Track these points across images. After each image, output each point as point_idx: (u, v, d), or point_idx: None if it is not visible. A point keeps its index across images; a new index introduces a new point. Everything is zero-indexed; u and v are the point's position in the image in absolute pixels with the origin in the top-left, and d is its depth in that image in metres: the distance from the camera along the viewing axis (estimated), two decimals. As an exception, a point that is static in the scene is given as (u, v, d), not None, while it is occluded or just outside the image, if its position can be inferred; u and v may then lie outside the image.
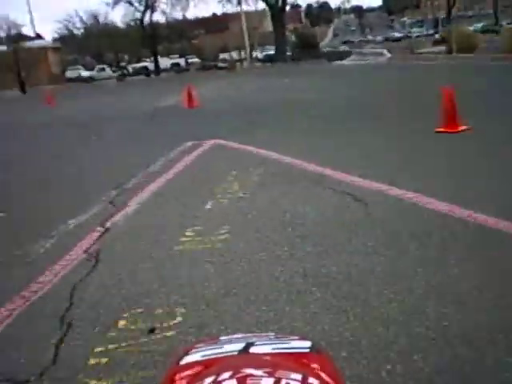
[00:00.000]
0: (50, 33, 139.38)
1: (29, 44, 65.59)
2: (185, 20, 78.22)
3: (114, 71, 66.27)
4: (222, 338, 1.11)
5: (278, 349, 1.01)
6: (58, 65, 73.97)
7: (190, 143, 10.51)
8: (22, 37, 64.88)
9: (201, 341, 1.12)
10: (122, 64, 74.74)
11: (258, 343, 1.03)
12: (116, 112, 19.91)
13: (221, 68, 61.94)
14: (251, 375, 0.85)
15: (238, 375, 0.86)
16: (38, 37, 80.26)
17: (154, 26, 63.37)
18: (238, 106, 17.91)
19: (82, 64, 75.64)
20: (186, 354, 1.03)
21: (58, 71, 72.45)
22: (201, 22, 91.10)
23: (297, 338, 1.12)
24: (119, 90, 39.64)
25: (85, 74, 68.54)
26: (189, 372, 0.95)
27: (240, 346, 1.01)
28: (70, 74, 70.54)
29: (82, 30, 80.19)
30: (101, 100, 28.96)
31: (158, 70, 61.70)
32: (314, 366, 0.96)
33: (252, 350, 1.00)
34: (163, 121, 15.46)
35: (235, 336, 1.13)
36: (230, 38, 79.39)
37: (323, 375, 0.92)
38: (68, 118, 19.36)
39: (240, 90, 25.22)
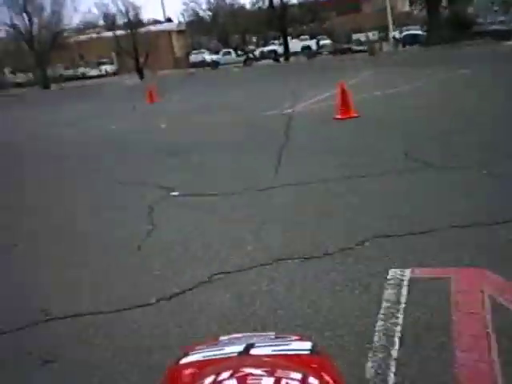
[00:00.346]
0: (175, 15, 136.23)
1: (152, 28, 61.97)
2: (315, 1, 71.06)
3: (239, 55, 60.51)
4: (222, 338, 1.09)
5: (278, 350, 0.99)
6: (182, 48, 70.27)
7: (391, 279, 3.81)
8: (141, 22, 60.78)
9: (201, 342, 1.10)
10: (249, 48, 69.07)
11: (258, 344, 1.01)
12: (231, 123, 13.47)
13: (357, 51, 54.44)
14: (251, 374, 0.85)
15: (238, 374, 0.85)
16: (169, 20, 77.21)
17: (284, 5, 56.46)
18: (430, 121, 10.66)
19: (207, 48, 71.21)
20: (186, 354, 1.02)
21: (181, 55, 68.64)
22: (331, 2, 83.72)
23: (297, 338, 1.09)
24: (243, 79, 33.35)
25: (209, 58, 63.72)
26: (188, 372, 0.95)
27: (240, 347, 1.00)
28: (193, 57, 66.28)
29: (209, 12, 75.40)
30: (218, 94, 22.81)
31: (287, 53, 54.96)
32: (314, 366, 0.95)
33: (252, 351, 0.98)
34: (307, 156, 8.64)
35: (235, 336, 1.10)
36: (362, 20, 71.71)
37: (324, 376, 0.91)
38: (156, 134, 13.18)
39: (408, 87, 17.35)
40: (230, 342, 1.05)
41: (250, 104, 17.36)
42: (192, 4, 74.06)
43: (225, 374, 0.86)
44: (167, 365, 1.02)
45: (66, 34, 56.04)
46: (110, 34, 58.20)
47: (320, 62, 44.46)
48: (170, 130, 13.38)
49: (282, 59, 55.52)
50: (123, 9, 58.15)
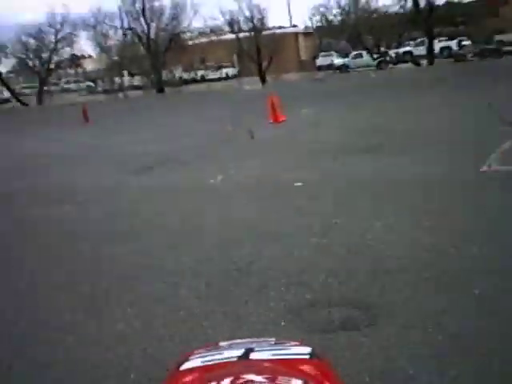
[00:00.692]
0: (302, 21, 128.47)
1: (278, 30, 56.89)
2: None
3: (374, 58, 53.60)
4: (222, 343, 1.08)
5: (277, 355, 0.98)
6: (308, 51, 64.71)
7: None
8: (266, 26, 55.53)
9: (201, 346, 1.08)
10: (382, 49, 61.79)
11: (257, 349, 0.99)
12: (419, 190, 7.27)
13: (508, 52, 46.24)
14: (252, 381, 0.84)
15: (239, 381, 0.83)
16: (293, 27, 72.10)
17: (431, 5, 48.72)
18: None
19: (336, 50, 64.71)
20: (187, 359, 1.00)
21: (307, 58, 63.05)
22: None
23: (297, 343, 1.08)
24: (390, 88, 26.77)
25: (338, 61, 57.32)
26: (189, 377, 0.93)
27: (240, 352, 0.98)
28: (320, 61, 60.29)
29: (339, 16, 68.55)
30: (365, 111, 16.57)
31: (432, 56, 47.29)
32: (314, 372, 0.93)
33: (252, 356, 0.97)
34: None
35: (235, 341, 1.09)
36: (500, 23, 62.57)
37: (324, 381, 0.90)
38: (286, 211, 7.06)
39: None
40: (230, 347, 1.01)
41: (429, 135, 11.04)
42: (322, 9, 67.62)
43: (226, 381, 0.82)
44: (168, 370, 0.97)
45: (185, 37, 52.21)
46: (231, 36, 53.64)
47: (475, 67, 36.79)
48: (312, 197, 7.39)
49: (423, 62, 47.99)
50: (248, 13, 53.16)
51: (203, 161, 11.42)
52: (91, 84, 64.97)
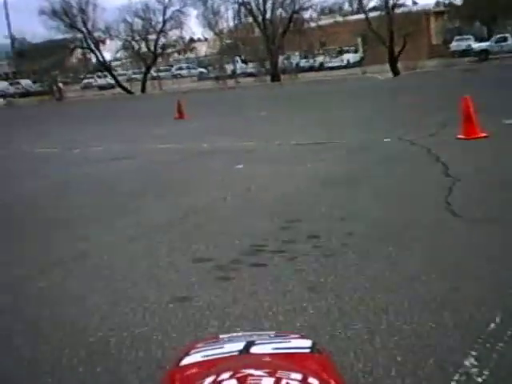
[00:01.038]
0: None
1: (408, 9, 50.11)
2: None
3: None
4: (222, 336, 1.07)
5: (278, 348, 0.98)
6: (439, 34, 57.44)
7: None
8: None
9: (201, 340, 1.07)
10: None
11: (258, 342, 0.99)
12: None
13: None
14: (251, 375, 0.84)
15: (238, 375, 0.84)
16: (414, 4, 65.01)
17: None
18: None
19: (471, 33, 57.19)
20: (187, 354, 1.00)
21: (439, 42, 55.96)
22: None
23: (297, 336, 1.07)
24: None
25: (477, 45, 49.83)
26: (189, 372, 0.93)
27: (240, 345, 0.98)
28: (455, 45, 52.80)
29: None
30: None
31: None
32: (315, 366, 0.93)
33: (252, 349, 0.97)
34: None
35: (235, 334, 1.09)
36: None
37: (324, 375, 0.90)
38: None
39: None
40: (230, 340, 1.02)
41: None
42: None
43: (225, 375, 0.83)
44: (168, 366, 0.96)
45: (305, 16, 46.78)
46: (355, 17, 47.49)
47: None
48: None
49: None
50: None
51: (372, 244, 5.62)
52: (204, 70, 61.42)
